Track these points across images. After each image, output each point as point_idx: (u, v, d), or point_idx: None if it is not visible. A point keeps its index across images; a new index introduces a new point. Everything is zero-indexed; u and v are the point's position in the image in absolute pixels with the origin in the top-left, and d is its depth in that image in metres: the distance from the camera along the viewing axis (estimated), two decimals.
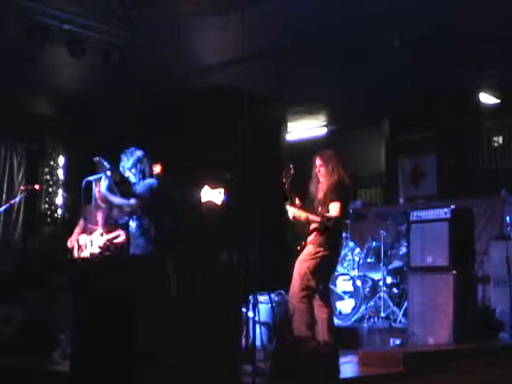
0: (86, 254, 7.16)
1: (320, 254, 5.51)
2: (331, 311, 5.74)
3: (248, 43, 5.85)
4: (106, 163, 6.27)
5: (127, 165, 6.23)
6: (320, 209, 5.65)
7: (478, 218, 8.03)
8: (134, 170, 6.24)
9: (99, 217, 7.28)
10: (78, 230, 7.38)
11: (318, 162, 5.82)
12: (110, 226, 7.14)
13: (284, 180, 5.66)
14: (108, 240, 7.08)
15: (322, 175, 5.76)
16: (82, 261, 6.17)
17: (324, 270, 5.63)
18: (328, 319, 5.55)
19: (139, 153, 6.29)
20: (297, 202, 5.69)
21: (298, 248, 5.64)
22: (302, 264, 5.52)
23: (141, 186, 6.21)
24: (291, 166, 5.69)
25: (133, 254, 6.12)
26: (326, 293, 5.74)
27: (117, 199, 6.20)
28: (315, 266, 5.49)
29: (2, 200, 10.37)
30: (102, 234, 7.14)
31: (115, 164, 6.41)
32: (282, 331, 5.83)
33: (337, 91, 10.54)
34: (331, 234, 5.58)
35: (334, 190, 5.61)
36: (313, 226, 5.62)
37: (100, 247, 7.12)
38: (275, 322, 6.79)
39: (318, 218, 5.57)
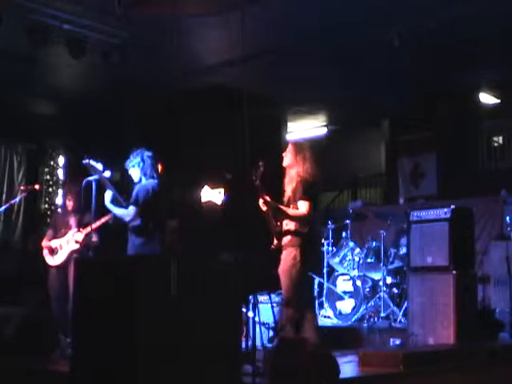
0: (63, 253, 7.17)
1: (303, 256, 5.44)
2: (314, 311, 5.73)
3: (248, 43, 5.84)
4: (98, 165, 6.22)
5: (131, 163, 6.30)
6: (291, 207, 5.52)
7: (478, 218, 8.02)
8: (136, 169, 6.29)
9: (72, 221, 7.29)
10: (47, 238, 7.38)
11: (289, 149, 5.65)
12: (84, 227, 7.14)
13: (254, 177, 5.45)
14: (86, 235, 7.06)
15: (288, 165, 5.59)
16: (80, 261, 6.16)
17: (308, 270, 5.61)
18: (313, 320, 5.53)
19: (146, 154, 6.35)
20: (267, 198, 5.47)
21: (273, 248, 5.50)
22: (291, 271, 5.39)
23: (137, 188, 6.23)
24: (261, 163, 5.47)
25: (128, 253, 6.14)
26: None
27: (118, 211, 6.22)
28: (303, 271, 5.46)
29: (2, 200, 10.38)
30: (78, 231, 7.15)
31: (115, 164, 6.42)
32: (281, 331, 5.82)
33: (337, 91, 10.55)
34: (307, 232, 5.54)
35: (303, 187, 5.47)
36: (287, 226, 5.50)
37: (79, 242, 7.11)
38: (275, 322, 6.79)
39: (289, 211, 5.45)
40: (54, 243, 7.24)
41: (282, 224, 5.55)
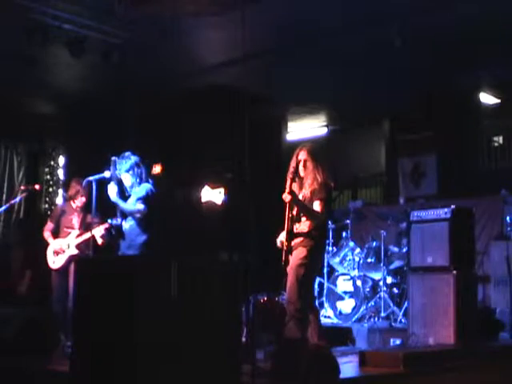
0: (63, 257, 7.16)
1: (312, 258, 5.44)
2: (318, 312, 5.72)
3: (248, 43, 5.83)
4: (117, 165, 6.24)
5: (125, 167, 6.24)
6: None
7: (478, 218, 8.01)
8: (131, 173, 6.25)
9: (75, 220, 7.27)
10: (47, 229, 7.37)
11: (303, 155, 5.51)
12: (85, 229, 7.12)
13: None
14: (86, 240, 7.03)
15: (307, 171, 5.48)
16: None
17: (315, 272, 5.60)
18: (316, 320, 5.51)
19: (134, 158, 6.33)
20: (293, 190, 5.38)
21: (285, 249, 5.42)
22: (297, 270, 5.36)
23: (140, 189, 6.20)
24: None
25: (128, 254, 6.12)
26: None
27: (126, 205, 6.17)
28: (310, 271, 5.45)
29: (2, 200, 10.37)
30: (78, 236, 7.14)
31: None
32: (282, 331, 5.82)
33: (337, 91, 10.55)
34: (319, 234, 5.52)
35: (322, 189, 5.42)
36: (300, 227, 5.46)
37: (78, 248, 7.10)
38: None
39: (307, 205, 5.38)
40: (57, 244, 7.22)
41: (293, 225, 5.46)
